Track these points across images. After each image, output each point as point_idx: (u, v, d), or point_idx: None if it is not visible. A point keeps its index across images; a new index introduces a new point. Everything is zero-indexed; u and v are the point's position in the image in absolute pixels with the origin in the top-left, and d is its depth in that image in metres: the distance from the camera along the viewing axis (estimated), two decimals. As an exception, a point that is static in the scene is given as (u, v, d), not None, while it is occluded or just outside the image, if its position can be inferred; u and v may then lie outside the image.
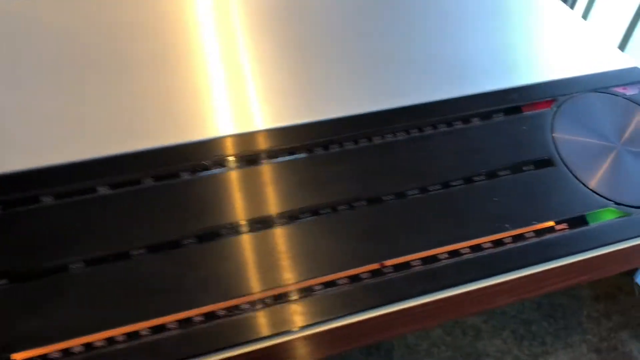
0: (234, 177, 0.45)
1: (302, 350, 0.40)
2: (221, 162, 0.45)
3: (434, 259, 0.43)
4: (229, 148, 0.47)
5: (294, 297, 0.39)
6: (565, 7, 0.62)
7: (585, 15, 1.00)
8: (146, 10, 0.57)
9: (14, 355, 0.35)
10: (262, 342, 0.38)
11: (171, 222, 0.42)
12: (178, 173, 0.44)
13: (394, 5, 0.60)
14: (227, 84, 0.51)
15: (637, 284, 1.14)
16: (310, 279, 0.40)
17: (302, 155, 0.47)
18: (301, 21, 0.57)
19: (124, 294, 0.38)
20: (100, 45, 0.53)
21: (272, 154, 0.46)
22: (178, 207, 0.42)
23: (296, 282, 0.40)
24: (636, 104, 0.54)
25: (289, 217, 0.43)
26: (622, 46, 0.98)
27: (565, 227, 0.47)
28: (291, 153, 0.47)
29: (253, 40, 0.55)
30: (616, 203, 0.48)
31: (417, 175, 0.47)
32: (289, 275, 0.40)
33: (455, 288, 0.43)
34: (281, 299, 0.39)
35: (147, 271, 0.40)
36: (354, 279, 0.41)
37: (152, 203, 0.43)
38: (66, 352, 0.36)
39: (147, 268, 0.40)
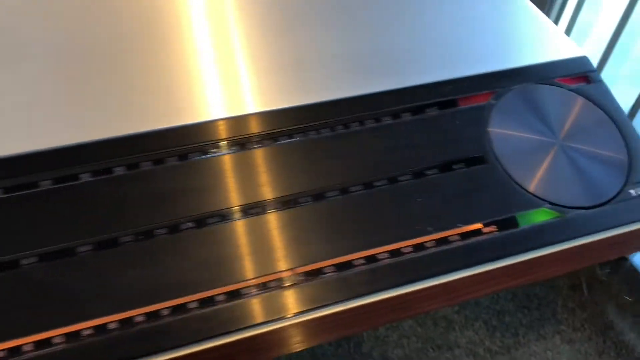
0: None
1: None
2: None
3: (348, 265, 0.41)
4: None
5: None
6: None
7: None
8: None
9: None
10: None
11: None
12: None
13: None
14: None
15: (584, 284, 1.11)
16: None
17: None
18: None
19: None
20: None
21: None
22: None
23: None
24: (581, 96, 0.51)
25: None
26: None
27: (494, 229, 0.44)
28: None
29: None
30: (551, 203, 0.45)
31: (337, 175, 0.44)
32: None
33: (370, 296, 0.40)
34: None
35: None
36: (262, 286, 0.39)
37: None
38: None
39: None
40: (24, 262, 0.38)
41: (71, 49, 0.49)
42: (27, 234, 0.39)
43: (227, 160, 0.44)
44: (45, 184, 0.41)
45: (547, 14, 0.96)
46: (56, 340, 0.36)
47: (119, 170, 0.42)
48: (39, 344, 0.35)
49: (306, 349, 1.05)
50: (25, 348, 0.35)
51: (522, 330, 1.13)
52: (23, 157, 0.42)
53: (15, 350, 0.35)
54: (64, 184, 0.41)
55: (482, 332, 1.14)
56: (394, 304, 0.41)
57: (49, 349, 0.35)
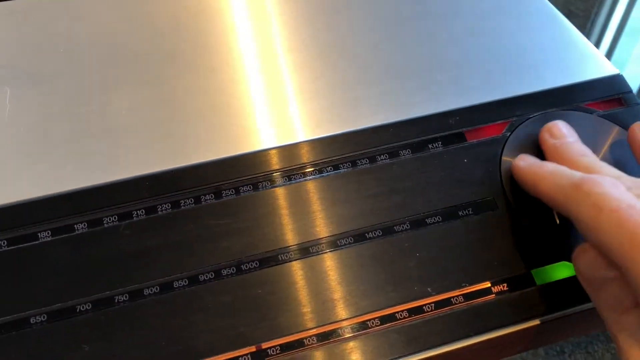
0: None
1: None
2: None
3: (331, 334, 0.36)
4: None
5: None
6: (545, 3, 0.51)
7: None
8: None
9: None
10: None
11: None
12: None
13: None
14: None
15: None
16: None
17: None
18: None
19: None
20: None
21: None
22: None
23: None
24: (614, 123, 0.44)
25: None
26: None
27: (504, 288, 0.38)
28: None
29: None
30: (574, 256, 0.39)
31: (320, 225, 0.39)
32: None
33: (358, 371, 0.36)
34: None
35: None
36: None
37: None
38: None
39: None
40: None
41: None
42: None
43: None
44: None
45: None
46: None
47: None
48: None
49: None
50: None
51: (568, 349, 1.05)
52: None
53: None
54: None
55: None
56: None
57: None
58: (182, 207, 0.39)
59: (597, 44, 0.90)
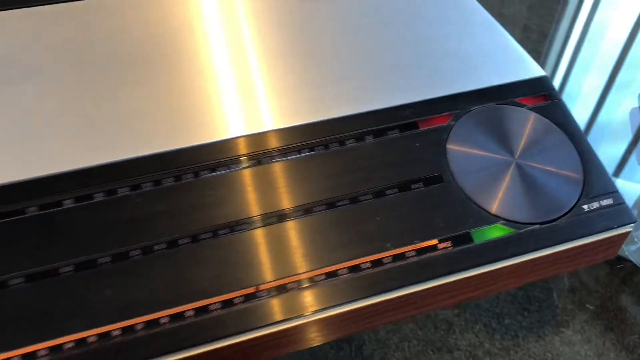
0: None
1: None
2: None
3: (310, 280, 0.44)
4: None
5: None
6: (476, 8, 0.61)
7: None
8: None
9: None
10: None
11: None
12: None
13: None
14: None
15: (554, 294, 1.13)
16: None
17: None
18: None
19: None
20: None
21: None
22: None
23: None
24: (539, 115, 0.54)
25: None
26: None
27: (449, 245, 0.47)
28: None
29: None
30: (505, 220, 0.48)
31: (301, 194, 0.48)
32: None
33: (329, 309, 0.44)
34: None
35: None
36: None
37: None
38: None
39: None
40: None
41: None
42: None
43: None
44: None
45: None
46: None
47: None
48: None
49: (308, 351, 1.09)
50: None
51: (521, 333, 1.15)
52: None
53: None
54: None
55: (482, 334, 1.16)
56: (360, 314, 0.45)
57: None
58: (183, 181, 0.47)
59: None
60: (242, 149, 0.49)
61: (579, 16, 1.25)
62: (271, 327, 0.42)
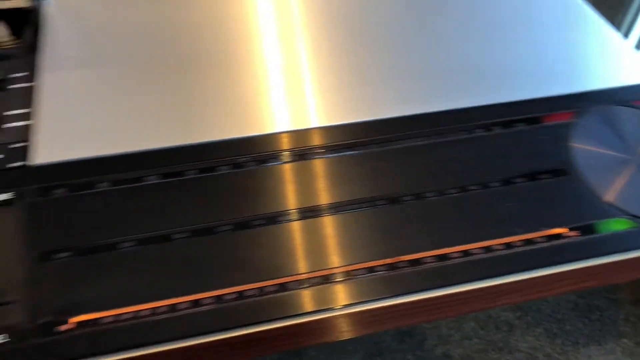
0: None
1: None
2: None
3: (446, 257, 0.47)
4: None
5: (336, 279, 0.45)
6: (594, 16, 0.64)
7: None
8: (206, 10, 0.62)
9: (72, 319, 0.42)
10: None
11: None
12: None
13: (432, 10, 0.64)
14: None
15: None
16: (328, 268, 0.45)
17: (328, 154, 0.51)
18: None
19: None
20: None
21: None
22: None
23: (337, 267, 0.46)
24: (659, 118, 0.56)
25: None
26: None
27: (576, 234, 0.49)
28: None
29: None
30: (628, 214, 0.51)
31: (437, 178, 0.51)
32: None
33: (465, 285, 0.47)
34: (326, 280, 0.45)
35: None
36: (371, 270, 0.46)
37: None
38: (116, 318, 0.42)
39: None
40: (176, 236, 0.46)
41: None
42: (178, 213, 0.48)
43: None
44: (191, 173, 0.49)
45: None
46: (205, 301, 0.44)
47: (221, 169, 0.50)
48: (193, 303, 0.44)
49: (372, 342, 1.11)
50: (181, 306, 0.43)
51: (582, 340, 1.16)
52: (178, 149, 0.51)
53: (172, 308, 0.43)
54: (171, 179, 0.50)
55: (543, 338, 1.17)
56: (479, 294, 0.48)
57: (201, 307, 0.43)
58: (243, 169, 0.50)
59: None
60: (340, 136, 0.53)
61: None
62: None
